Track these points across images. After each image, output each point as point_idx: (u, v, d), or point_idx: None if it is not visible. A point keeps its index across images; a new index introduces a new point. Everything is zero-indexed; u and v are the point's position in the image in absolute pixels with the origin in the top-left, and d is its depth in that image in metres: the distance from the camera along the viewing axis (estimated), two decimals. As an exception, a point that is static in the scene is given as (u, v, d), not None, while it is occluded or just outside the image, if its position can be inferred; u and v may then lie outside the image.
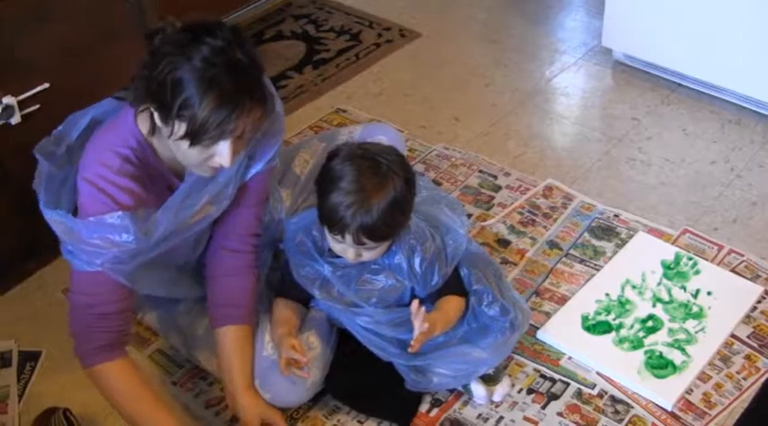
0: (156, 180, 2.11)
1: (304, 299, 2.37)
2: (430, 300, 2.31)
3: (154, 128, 2.02)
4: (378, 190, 2.10)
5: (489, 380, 2.32)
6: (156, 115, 1.95)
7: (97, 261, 2.02)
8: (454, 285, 2.35)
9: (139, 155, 2.06)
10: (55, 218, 2.04)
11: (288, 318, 2.32)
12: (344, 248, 2.18)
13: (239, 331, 2.24)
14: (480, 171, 3.10)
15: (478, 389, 2.31)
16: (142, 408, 2.11)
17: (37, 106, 2.50)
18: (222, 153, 1.96)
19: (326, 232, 2.19)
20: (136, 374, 2.14)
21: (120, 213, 1.98)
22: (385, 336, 2.28)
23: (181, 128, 1.90)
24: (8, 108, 2.44)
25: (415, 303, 2.16)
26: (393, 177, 2.12)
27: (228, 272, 2.28)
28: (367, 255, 2.20)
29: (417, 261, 2.27)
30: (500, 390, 2.33)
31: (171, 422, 2.10)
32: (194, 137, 1.90)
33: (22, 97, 2.47)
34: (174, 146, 1.97)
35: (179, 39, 1.89)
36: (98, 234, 1.99)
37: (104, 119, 2.17)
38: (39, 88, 2.49)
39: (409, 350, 2.17)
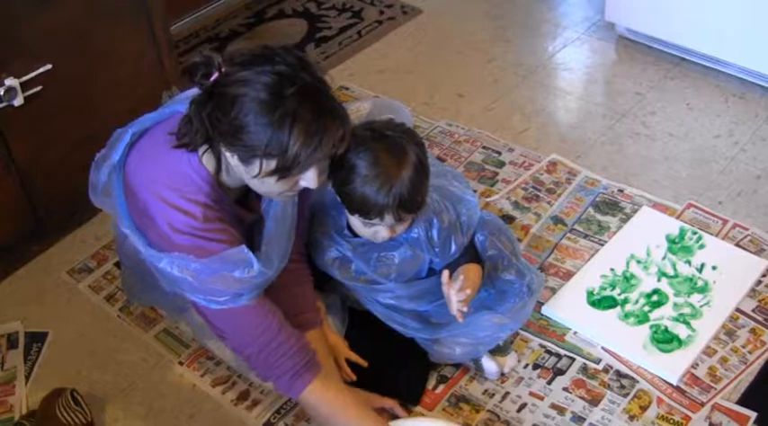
0: (230, 216, 2.06)
1: (319, 284, 2.39)
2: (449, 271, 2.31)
3: (219, 167, 1.97)
4: (400, 163, 2.09)
5: (499, 351, 2.33)
6: (228, 155, 1.90)
7: (219, 298, 1.97)
8: (471, 254, 2.36)
9: (215, 198, 2.00)
10: (178, 262, 1.94)
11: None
12: (377, 230, 2.17)
13: (319, 333, 2.24)
14: (484, 147, 3.10)
15: (490, 364, 2.31)
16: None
17: (39, 88, 2.49)
18: (309, 178, 1.93)
19: (356, 219, 2.17)
20: (336, 388, 2.13)
21: (242, 247, 1.95)
22: (405, 313, 2.31)
23: (270, 165, 1.85)
24: (11, 90, 2.43)
25: (446, 273, 2.19)
26: (407, 145, 2.12)
27: (294, 282, 2.26)
28: (399, 230, 2.21)
29: (435, 231, 2.28)
30: (509, 362, 2.34)
31: None
32: (285, 171, 1.86)
33: (24, 79, 2.45)
34: (256, 181, 1.92)
35: (242, 77, 1.83)
36: (219, 273, 1.94)
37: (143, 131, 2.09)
38: (41, 69, 2.48)
39: (460, 319, 2.17)
